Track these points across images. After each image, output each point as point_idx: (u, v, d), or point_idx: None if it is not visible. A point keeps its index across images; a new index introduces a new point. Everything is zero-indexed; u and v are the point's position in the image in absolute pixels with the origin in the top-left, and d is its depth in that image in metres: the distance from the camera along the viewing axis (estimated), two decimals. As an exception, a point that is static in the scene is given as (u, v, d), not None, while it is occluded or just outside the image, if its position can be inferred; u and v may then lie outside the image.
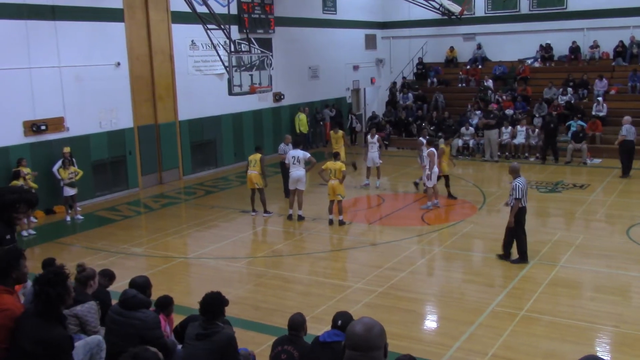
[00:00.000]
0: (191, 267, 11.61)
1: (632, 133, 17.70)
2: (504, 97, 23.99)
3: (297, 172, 14.02)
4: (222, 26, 15.99)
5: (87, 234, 13.73)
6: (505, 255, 10.94)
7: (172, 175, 18.98)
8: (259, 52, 17.06)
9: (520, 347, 7.79)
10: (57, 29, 15.31)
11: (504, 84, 25.41)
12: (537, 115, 22.38)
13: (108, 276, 6.97)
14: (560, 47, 25.60)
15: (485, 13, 26.98)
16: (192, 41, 19.08)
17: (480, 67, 26.90)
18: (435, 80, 27.41)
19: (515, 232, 10.78)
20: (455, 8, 24.72)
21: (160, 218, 15.17)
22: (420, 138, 16.45)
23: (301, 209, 14.12)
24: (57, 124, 15.45)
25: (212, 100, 19.68)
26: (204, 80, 19.65)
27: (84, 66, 15.96)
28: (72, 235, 13.72)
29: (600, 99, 22.22)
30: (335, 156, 14.09)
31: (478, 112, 22.94)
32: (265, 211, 14.60)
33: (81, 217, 14.86)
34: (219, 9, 17.93)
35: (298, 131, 22.67)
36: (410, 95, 26.54)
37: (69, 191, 14.51)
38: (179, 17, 18.31)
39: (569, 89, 23.28)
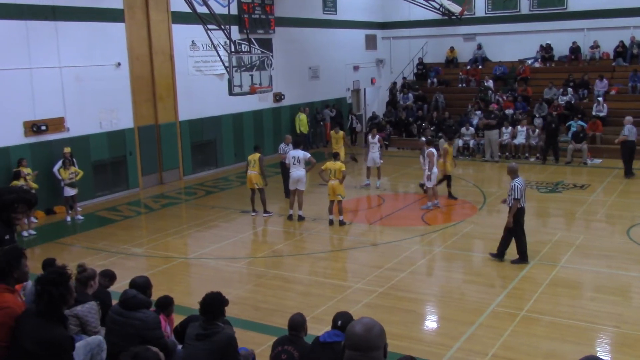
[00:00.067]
0: (191, 267, 11.61)
1: (633, 133, 17.71)
2: (504, 98, 23.98)
3: (298, 172, 14.02)
4: (223, 26, 16.00)
5: (88, 234, 13.74)
6: (498, 255, 10.93)
7: (173, 175, 18.99)
8: (259, 52, 17.07)
9: (520, 347, 7.78)
10: (58, 30, 15.32)
11: (504, 84, 25.41)
12: (537, 116, 22.38)
13: (109, 277, 6.97)
14: (561, 48, 25.60)
15: (486, 13, 26.99)
16: (193, 41, 19.09)
17: (480, 67, 26.90)
18: (435, 80, 27.41)
19: (515, 233, 10.77)
20: (456, 8, 24.73)
21: (161, 218, 15.17)
22: (423, 138, 16.45)
23: (301, 209, 14.13)
24: (57, 124, 15.46)
25: (213, 100, 19.69)
26: (204, 80, 19.66)
27: (85, 66, 15.96)
28: (73, 236, 13.73)
29: (600, 99, 22.22)
30: (335, 156, 14.09)
31: (478, 113, 22.94)
32: (265, 211, 14.61)
33: (81, 218, 14.87)
34: (219, 10, 17.94)
35: (298, 131, 22.68)
36: (410, 95, 26.55)
37: (70, 191, 14.52)
38: (180, 18, 18.32)
39: (569, 89, 23.28)
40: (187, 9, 16.46)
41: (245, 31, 19.78)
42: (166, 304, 6.47)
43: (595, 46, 24.85)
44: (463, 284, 10.21)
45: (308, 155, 14.29)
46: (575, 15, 24.93)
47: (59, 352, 4.19)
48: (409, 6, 25.76)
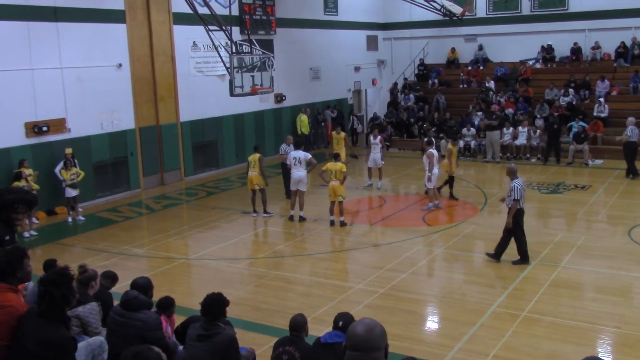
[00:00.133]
0: (192, 268, 11.62)
1: (636, 134, 17.70)
2: (504, 99, 23.96)
3: (299, 173, 14.02)
4: (224, 27, 16.00)
5: (89, 235, 13.74)
6: (494, 255, 10.91)
7: (174, 176, 18.99)
8: (261, 53, 17.05)
9: (521, 348, 7.78)
10: (59, 30, 15.34)
11: (506, 85, 25.41)
12: (538, 116, 22.38)
13: (111, 278, 6.98)
14: (562, 48, 25.58)
15: (487, 14, 26.98)
16: (194, 42, 19.11)
17: (481, 68, 26.90)
18: (436, 81, 27.41)
19: (515, 233, 10.76)
20: (457, 9, 24.73)
21: (162, 219, 15.18)
22: (426, 139, 16.44)
23: (302, 210, 14.13)
24: (58, 125, 15.47)
25: (214, 101, 19.70)
26: (205, 81, 19.67)
27: (86, 67, 15.98)
28: (74, 236, 13.74)
29: (601, 99, 22.22)
30: (336, 157, 14.09)
31: (479, 113, 22.94)
32: (265, 211, 14.61)
33: (82, 218, 14.87)
34: (220, 10, 17.94)
35: (299, 132, 22.69)
36: (411, 96, 26.55)
37: (71, 192, 14.53)
38: (181, 18, 18.33)
39: (571, 90, 23.26)
40: (189, 10, 16.47)
41: (246, 32, 19.77)
42: (167, 305, 6.46)
43: (597, 47, 24.83)
44: (464, 285, 10.21)
45: (309, 156, 14.29)
46: (576, 16, 24.92)
47: (61, 353, 4.20)
48: (410, 7, 25.76)
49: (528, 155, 21.08)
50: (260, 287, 10.27)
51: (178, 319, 6.58)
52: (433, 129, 22.32)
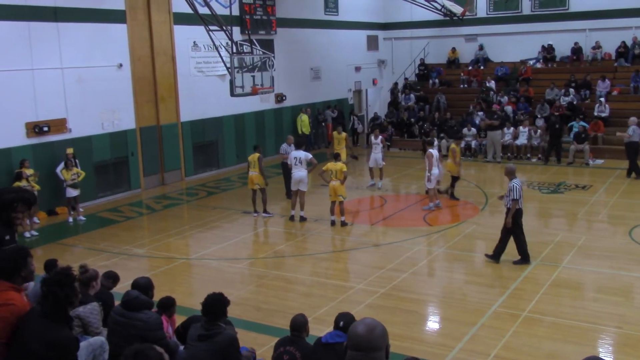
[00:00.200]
0: (193, 268, 11.62)
1: (637, 134, 17.68)
2: (504, 99, 23.94)
3: (299, 173, 14.02)
4: (224, 27, 15.99)
5: (90, 235, 13.75)
6: (493, 256, 10.90)
7: (174, 176, 19.00)
8: (261, 53, 17.02)
9: (522, 348, 7.78)
10: (60, 31, 15.34)
11: (506, 85, 25.40)
12: (539, 116, 22.38)
13: (112, 278, 6.99)
14: (562, 48, 25.57)
15: (487, 14, 26.97)
16: (194, 42, 19.11)
17: (482, 68, 26.89)
18: (437, 81, 27.40)
19: (514, 233, 10.76)
20: (457, 9, 24.71)
21: (163, 219, 15.18)
22: (428, 139, 16.43)
23: (303, 209, 14.13)
24: (59, 125, 15.47)
25: (214, 101, 19.70)
26: (206, 81, 19.67)
27: (86, 67, 15.98)
28: (75, 236, 13.74)
29: (602, 99, 22.21)
30: (336, 157, 14.09)
31: (480, 113, 22.93)
32: (265, 211, 14.61)
33: (83, 218, 14.87)
34: (220, 10, 17.94)
35: (300, 132, 22.69)
36: (412, 96, 26.55)
37: (72, 192, 14.53)
38: (181, 19, 18.33)
39: (571, 90, 23.25)
40: (189, 10, 16.46)
41: (246, 32, 19.74)
42: (168, 305, 6.47)
43: (597, 47, 24.82)
44: (465, 285, 10.20)
45: (310, 155, 14.29)
46: (576, 15, 24.91)
47: (64, 353, 4.20)
48: (411, 7, 25.75)
49: (529, 155, 21.07)
50: (261, 287, 10.27)
51: (179, 319, 6.58)
52: (435, 129, 22.32)
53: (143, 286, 6.14)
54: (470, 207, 15.09)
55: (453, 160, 15.30)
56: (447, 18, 24.96)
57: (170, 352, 5.30)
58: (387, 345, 2.97)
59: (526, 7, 26.09)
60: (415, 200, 16.01)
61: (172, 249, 12.53)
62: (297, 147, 14.69)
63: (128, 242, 12.86)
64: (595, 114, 21.92)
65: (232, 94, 16.23)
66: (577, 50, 25.09)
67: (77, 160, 15.03)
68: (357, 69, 27.36)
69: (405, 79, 28.09)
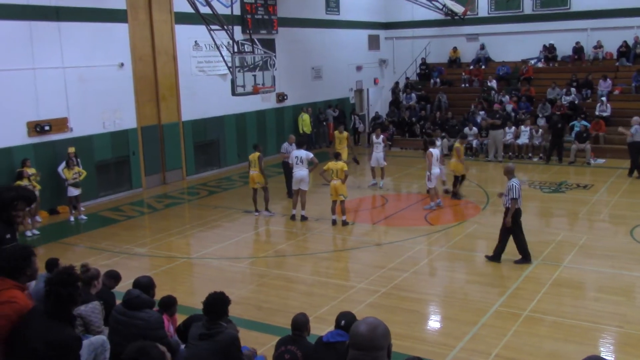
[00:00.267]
0: (194, 267, 11.63)
1: (640, 134, 17.68)
2: (505, 99, 23.92)
3: (300, 172, 14.03)
4: (226, 27, 15.99)
5: (91, 234, 13.76)
6: (494, 257, 10.88)
7: (176, 175, 19.01)
8: (262, 52, 17.00)
9: (523, 347, 7.78)
10: (61, 30, 15.35)
11: (508, 85, 25.39)
12: (540, 116, 22.36)
13: (114, 277, 6.99)
14: (564, 48, 25.55)
15: (489, 13, 26.95)
16: (196, 42, 19.12)
17: (483, 67, 26.88)
18: (438, 80, 27.39)
19: (514, 233, 10.75)
20: (459, 8, 24.72)
21: (164, 218, 15.19)
22: (430, 138, 16.41)
23: (304, 209, 14.13)
24: (60, 124, 15.48)
25: (216, 100, 19.71)
26: (207, 80, 19.68)
27: (88, 67, 15.99)
28: (76, 236, 13.75)
29: (604, 99, 22.19)
30: (337, 156, 14.08)
31: (482, 113, 22.92)
32: (267, 209, 14.61)
33: (85, 218, 14.89)
34: (222, 10, 17.91)
35: (301, 131, 22.70)
36: (413, 95, 26.54)
37: (73, 191, 14.54)
38: (182, 18, 18.34)
39: (573, 89, 23.24)
40: (190, 10, 16.46)
41: (248, 31, 19.75)
42: (169, 304, 6.47)
43: (599, 46, 24.80)
44: (466, 284, 10.20)
45: (311, 155, 14.30)
46: (578, 15, 24.89)
47: (66, 352, 4.20)
48: (412, 6, 25.74)
49: (530, 155, 21.05)
50: (262, 286, 10.27)
51: (180, 318, 6.59)
52: (438, 130, 22.31)
53: (144, 285, 6.15)
54: (472, 206, 15.08)
55: (457, 159, 15.28)
56: (449, 17, 24.97)
57: (171, 351, 5.31)
58: (389, 344, 2.97)
59: (527, 7, 26.07)
60: (417, 199, 16.00)
61: (174, 248, 12.54)
62: (299, 146, 14.69)
63: (129, 241, 12.87)
64: (597, 113, 21.90)
65: (234, 94, 16.24)
66: (578, 50, 25.07)
67: (78, 160, 15.05)
68: (359, 68, 27.35)
69: (407, 78, 28.08)
